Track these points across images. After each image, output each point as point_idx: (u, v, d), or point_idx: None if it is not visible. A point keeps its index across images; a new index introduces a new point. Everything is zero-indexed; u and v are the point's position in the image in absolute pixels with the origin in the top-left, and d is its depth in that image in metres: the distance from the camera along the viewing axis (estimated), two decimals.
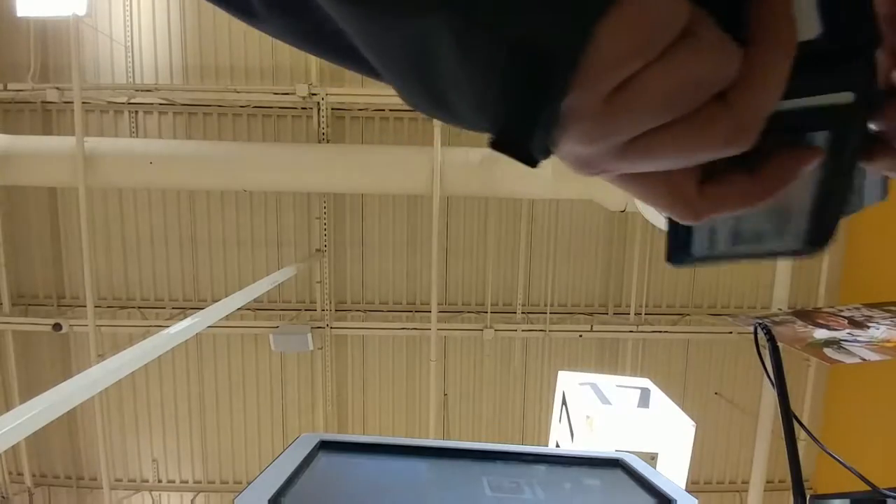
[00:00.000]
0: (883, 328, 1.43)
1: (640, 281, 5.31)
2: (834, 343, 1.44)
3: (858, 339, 1.42)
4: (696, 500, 0.65)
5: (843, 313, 1.59)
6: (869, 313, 1.54)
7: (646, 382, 2.77)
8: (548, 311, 5.34)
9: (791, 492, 0.78)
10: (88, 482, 5.77)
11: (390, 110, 5.13)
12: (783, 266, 4.81)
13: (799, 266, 5.17)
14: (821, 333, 1.50)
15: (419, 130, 5.15)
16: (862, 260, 5.17)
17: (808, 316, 1.63)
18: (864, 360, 1.36)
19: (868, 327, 1.47)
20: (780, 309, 4.45)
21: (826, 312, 1.65)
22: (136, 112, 5.13)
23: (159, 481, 5.77)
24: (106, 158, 4.22)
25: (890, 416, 4.65)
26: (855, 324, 1.50)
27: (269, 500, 0.56)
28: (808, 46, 0.21)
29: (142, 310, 5.40)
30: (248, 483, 0.59)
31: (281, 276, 3.82)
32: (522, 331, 5.28)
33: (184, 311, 5.32)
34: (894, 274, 4.67)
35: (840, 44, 0.22)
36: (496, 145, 0.21)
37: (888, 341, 1.38)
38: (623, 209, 3.87)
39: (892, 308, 1.53)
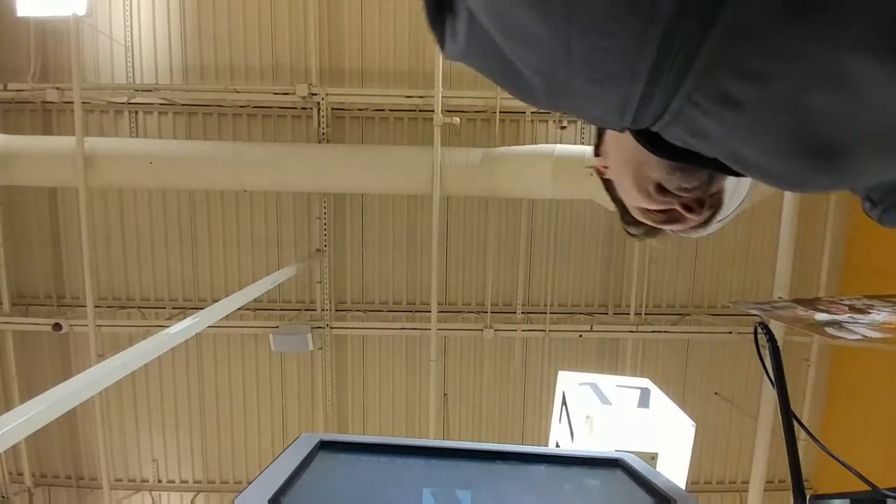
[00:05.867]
0: (884, 313, 1.45)
1: (640, 281, 5.31)
2: (835, 324, 1.45)
3: (859, 321, 1.44)
4: (696, 500, 0.65)
5: (843, 302, 1.60)
6: (869, 303, 1.56)
7: (646, 382, 2.77)
8: (548, 311, 5.34)
9: (791, 492, 0.78)
10: (88, 482, 5.77)
11: (390, 110, 5.13)
12: (783, 265, 4.80)
13: (799, 265, 5.18)
14: (822, 316, 1.52)
15: (419, 130, 5.15)
16: (862, 257, 5.17)
17: (809, 303, 1.64)
18: (865, 337, 1.37)
19: (869, 313, 1.48)
20: (780, 297, 4.46)
21: (827, 300, 1.66)
22: (136, 112, 5.13)
23: (159, 481, 5.77)
24: (106, 158, 4.22)
25: (890, 416, 4.65)
26: (856, 310, 1.51)
27: (269, 500, 0.56)
28: None
29: (142, 310, 5.40)
30: (248, 483, 0.59)
31: (281, 276, 3.82)
32: (522, 331, 5.28)
33: (184, 311, 5.32)
34: (894, 269, 4.67)
35: None
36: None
37: (889, 324, 1.39)
38: None
39: (893, 299, 1.54)
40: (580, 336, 5.29)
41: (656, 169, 0.61)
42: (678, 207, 0.65)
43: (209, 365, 5.57)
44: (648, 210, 0.68)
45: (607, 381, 2.75)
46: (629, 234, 0.82)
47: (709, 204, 0.66)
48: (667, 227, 0.71)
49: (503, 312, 5.49)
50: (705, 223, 0.72)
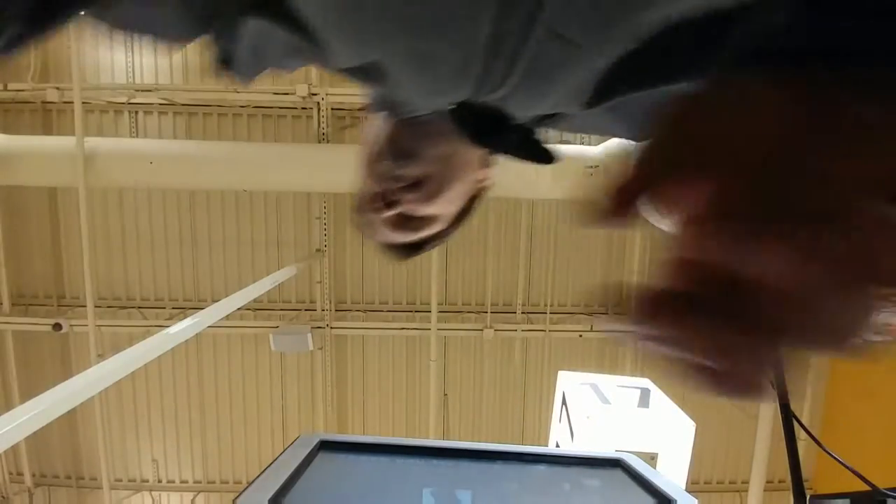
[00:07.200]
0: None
1: (640, 281, 5.30)
2: None
3: None
4: (696, 500, 0.65)
5: None
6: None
7: (646, 382, 2.77)
8: (548, 311, 5.34)
9: (791, 492, 0.78)
10: (88, 482, 5.76)
11: None
12: None
13: None
14: None
15: None
16: None
17: None
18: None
19: None
20: None
21: None
22: (136, 112, 5.13)
23: (159, 481, 5.77)
24: (106, 158, 4.22)
25: (890, 416, 4.65)
26: None
27: (269, 500, 0.56)
28: None
29: (142, 310, 5.40)
30: (248, 483, 0.59)
31: (281, 276, 3.82)
32: (522, 331, 5.28)
33: (184, 311, 5.32)
34: None
35: None
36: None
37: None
38: None
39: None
40: (580, 336, 5.29)
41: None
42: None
43: (209, 365, 5.57)
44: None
45: (607, 381, 2.75)
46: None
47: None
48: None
49: (503, 312, 5.49)
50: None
